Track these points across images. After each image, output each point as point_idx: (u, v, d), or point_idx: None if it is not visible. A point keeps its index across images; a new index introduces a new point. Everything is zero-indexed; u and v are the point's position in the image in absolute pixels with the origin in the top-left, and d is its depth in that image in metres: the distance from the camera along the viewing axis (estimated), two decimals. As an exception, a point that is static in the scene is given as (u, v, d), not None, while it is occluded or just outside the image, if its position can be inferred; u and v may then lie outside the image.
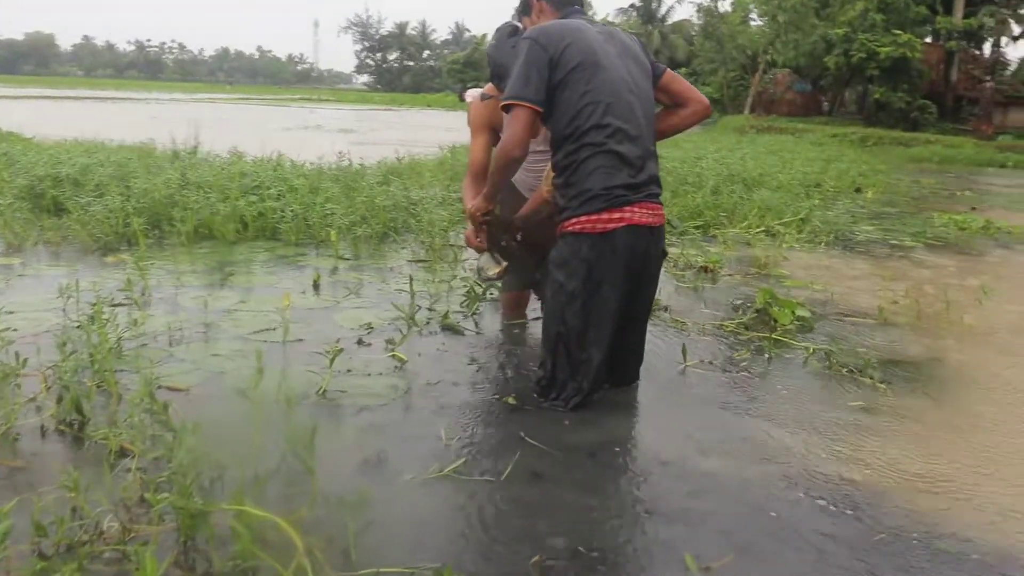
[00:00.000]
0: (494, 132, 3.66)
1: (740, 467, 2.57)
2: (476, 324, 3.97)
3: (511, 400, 3.01)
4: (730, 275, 5.45)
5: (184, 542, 1.96)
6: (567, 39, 2.84)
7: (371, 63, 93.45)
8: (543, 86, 2.83)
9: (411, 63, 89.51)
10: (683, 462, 2.60)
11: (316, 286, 4.50)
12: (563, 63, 2.81)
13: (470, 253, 5.59)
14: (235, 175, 6.30)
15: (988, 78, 31.87)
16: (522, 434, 2.68)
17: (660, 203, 2.91)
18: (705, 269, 5.43)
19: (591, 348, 2.86)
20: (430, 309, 4.10)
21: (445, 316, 3.92)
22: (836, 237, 7.19)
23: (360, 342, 3.56)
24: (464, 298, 4.27)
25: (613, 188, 2.77)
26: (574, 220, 2.81)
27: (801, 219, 7.49)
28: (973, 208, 10.60)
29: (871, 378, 3.44)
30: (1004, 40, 37.00)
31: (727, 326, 4.13)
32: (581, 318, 2.83)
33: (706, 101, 3.14)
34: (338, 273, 4.86)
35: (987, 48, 37.54)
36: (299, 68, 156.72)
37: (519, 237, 3.45)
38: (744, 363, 3.60)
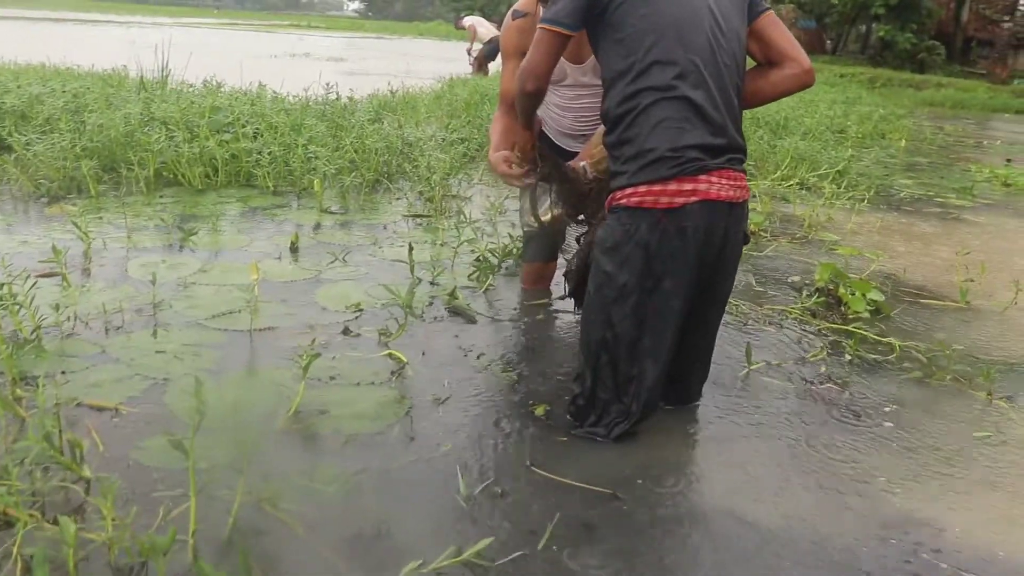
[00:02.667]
0: None
1: (835, 532, 1.90)
2: (489, 304, 3.25)
3: (540, 411, 2.34)
4: (775, 239, 4.73)
5: None
6: None
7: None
8: (581, 4, 2.10)
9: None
10: (762, 520, 1.92)
11: (294, 249, 3.75)
12: None
13: (476, 205, 4.87)
14: (206, 110, 5.48)
15: (1007, 18, 30.72)
16: (561, 478, 2.00)
17: (743, 172, 2.17)
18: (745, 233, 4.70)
19: (645, 361, 2.15)
20: (433, 283, 3.38)
21: (452, 294, 3.20)
22: (877, 193, 6.46)
23: (347, 332, 2.84)
24: (474, 268, 3.55)
25: (685, 149, 2.03)
26: (630, 190, 2.07)
27: (838, 171, 6.75)
28: (1009, 160, 9.89)
29: (988, 393, 2.76)
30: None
31: (791, 312, 3.43)
32: (634, 321, 2.12)
33: (808, 64, 2.25)
34: (321, 231, 4.12)
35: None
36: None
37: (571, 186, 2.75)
38: (820, 366, 2.91)
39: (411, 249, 3.30)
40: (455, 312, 3.09)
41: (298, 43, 25.52)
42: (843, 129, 10.11)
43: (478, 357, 2.71)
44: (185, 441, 1.60)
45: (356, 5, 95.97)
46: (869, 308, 3.49)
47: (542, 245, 3.32)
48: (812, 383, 2.77)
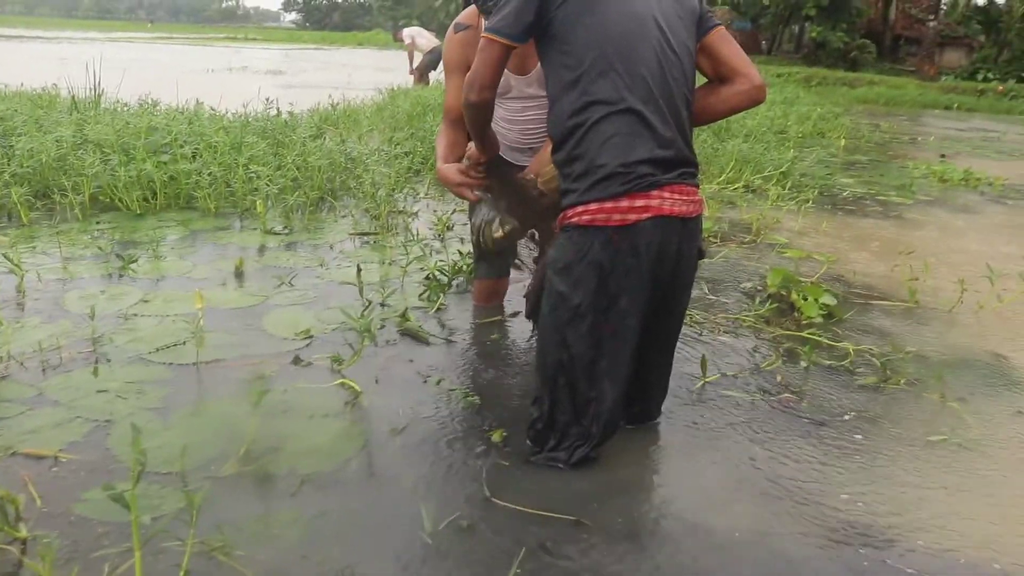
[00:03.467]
0: None
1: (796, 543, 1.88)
2: (442, 324, 3.19)
3: (496, 437, 2.28)
4: (724, 244, 4.75)
5: None
6: None
7: (299, 0, 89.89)
8: (527, 12, 2.04)
9: (340, 0, 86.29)
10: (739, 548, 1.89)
11: (239, 274, 3.65)
12: None
13: (423, 221, 4.80)
14: (142, 130, 5.32)
15: (932, 17, 31.59)
16: (524, 507, 1.95)
17: (696, 186, 2.15)
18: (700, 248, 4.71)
19: (603, 382, 2.12)
20: (383, 304, 3.31)
21: (403, 316, 3.13)
22: (821, 193, 6.55)
23: (297, 361, 2.76)
24: (424, 287, 3.49)
25: (636, 164, 2.00)
26: (581, 208, 2.03)
27: (782, 173, 6.82)
28: (943, 156, 10.13)
29: (941, 395, 2.78)
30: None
31: (744, 320, 3.43)
32: (590, 342, 2.08)
33: (760, 80, 2.19)
34: (266, 254, 4.01)
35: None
36: (224, 6, 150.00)
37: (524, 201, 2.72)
38: (776, 375, 2.91)
39: (359, 271, 3.22)
40: (407, 334, 3.03)
41: (235, 56, 25.13)
42: (784, 129, 10.25)
43: (436, 382, 2.65)
44: (128, 493, 1.51)
45: (293, 16, 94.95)
46: (822, 312, 3.51)
47: (493, 261, 3.27)
48: (769, 393, 2.76)
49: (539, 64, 2.26)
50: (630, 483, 2.16)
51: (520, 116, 2.91)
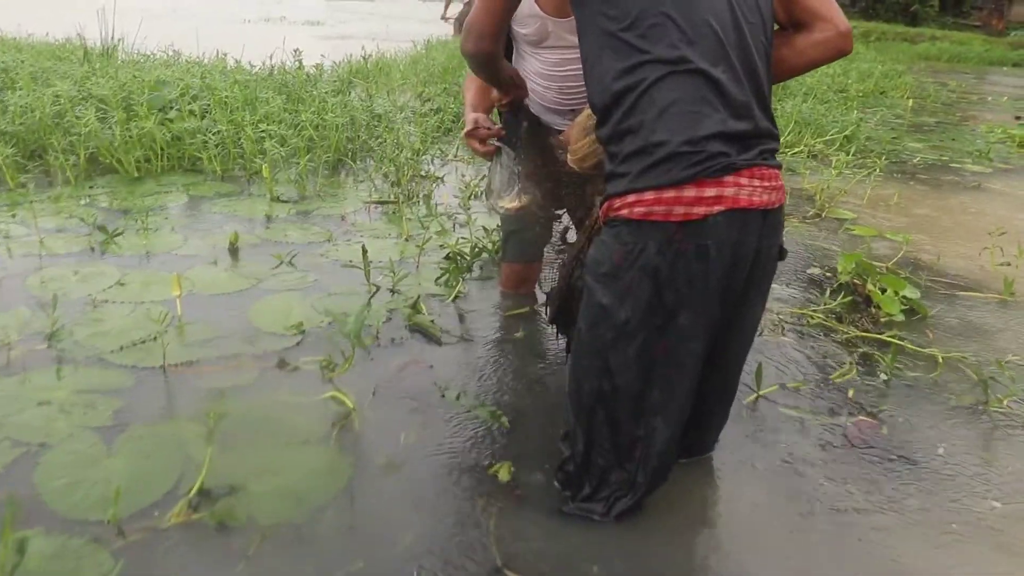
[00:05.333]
0: None
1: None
2: (460, 316, 2.74)
3: (504, 474, 1.85)
4: (786, 219, 4.22)
5: None
6: None
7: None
8: None
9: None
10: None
11: (233, 251, 3.23)
12: None
13: (449, 187, 4.34)
14: (148, 84, 4.91)
15: (1001, -32, 29.89)
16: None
17: (779, 166, 1.65)
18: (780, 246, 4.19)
19: (654, 418, 1.66)
20: (393, 291, 2.87)
21: (414, 307, 2.69)
22: (888, 159, 5.94)
23: (282, 364, 2.34)
24: (442, 270, 3.04)
25: (705, 140, 1.51)
26: (633, 198, 1.55)
27: (846, 137, 6.22)
28: (1018, 117, 9.37)
29: (1062, 424, 2.28)
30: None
31: (812, 317, 2.93)
32: (639, 369, 1.61)
33: (846, 25, 1.70)
34: (270, 226, 3.58)
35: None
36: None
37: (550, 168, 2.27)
38: (847, 388, 2.43)
39: (365, 252, 2.78)
40: (417, 330, 2.59)
41: (276, 5, 24.62)
42: (844, 88, 9.55)
43: (455, 397, 2.20)
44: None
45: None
46: (903, 308, 3.01)
47: (524, 241, 2.80)
48: (839, 412, 2.29)
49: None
50: (676, 545, 1.71)
51: (559, 71, 2.41)
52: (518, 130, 2.29)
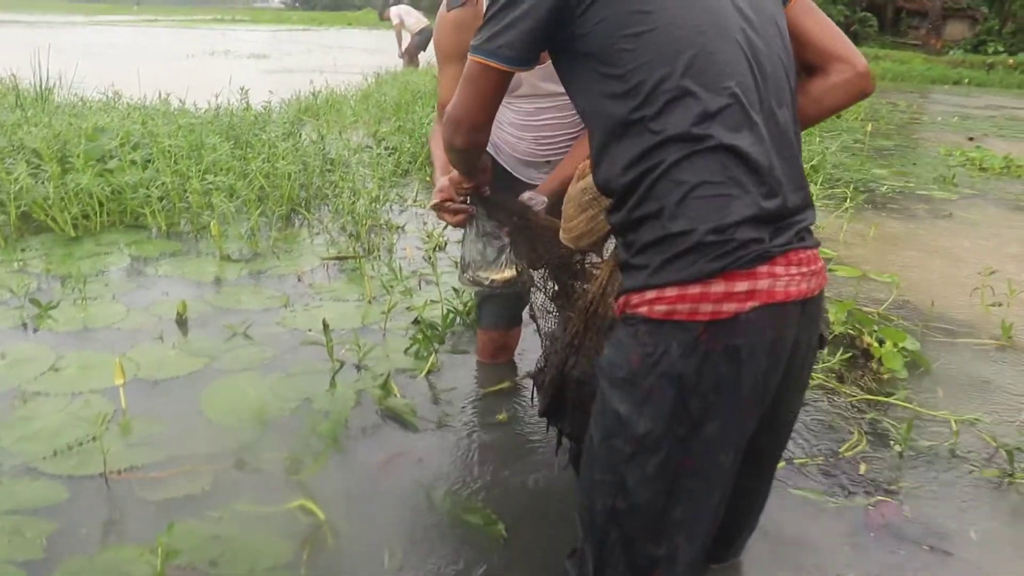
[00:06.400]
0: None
1: None
2: (435, 395, 2.50)
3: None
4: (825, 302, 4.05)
5: None
6: None
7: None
8: (537, 25, 1.37)
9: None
10: None
11: (182, 322, 2.95)
12: None
13: (411, 237, 4.11)
14: (85, 132, 4.60)
15: (938, -11, 30.68)
16: None
17: (816, 245, 1.44)
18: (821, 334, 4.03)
19: (677, 536, 1.42)
20: (359, 366, 2.62)
21: (385, 386, 2.44)
22: (856, 188, 5.84)
23: (241, 465, 2.07)
24: (412, 339, 2.79)
25: (734, 227, 1.29)
26: (653, 295, 1.32)
27: (812, 167, 6.12)
28: (971, 139, 9.44)
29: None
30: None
31: (812, 377, 2.74)
32: (661, 486, 1.37)
33: (864, 65, 1.52)
34: (221, 290, 3.31)
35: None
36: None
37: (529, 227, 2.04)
38: (859, 462, 2.24)
39: (326, 327, 2.53)
40: (390, 416, 2.34)
41: (220, 39, 24.21)
42: (799, 113, 9.53)
43: (426, 495, 1.96)
44: None
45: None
46: (905, 360, 2.83)
47: (501, 307, 2.58)
48: (854, 492, 2.10)
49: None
50: None
51: (534, 120, 2.22)
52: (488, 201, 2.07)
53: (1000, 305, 3.44)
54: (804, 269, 1.35)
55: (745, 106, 1.33)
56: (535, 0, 1.36)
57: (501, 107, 2.17)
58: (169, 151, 4.60)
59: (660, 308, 1.31)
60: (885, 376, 2.77)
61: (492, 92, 1.46)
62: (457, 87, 1.50)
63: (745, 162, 1.31)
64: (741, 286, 1.29)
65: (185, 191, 4.20)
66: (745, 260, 1.29)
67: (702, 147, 1.29)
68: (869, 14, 31.82)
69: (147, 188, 4.12)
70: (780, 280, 1.32)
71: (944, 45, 28.78)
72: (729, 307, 1.29)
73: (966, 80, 20.85)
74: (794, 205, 1.37)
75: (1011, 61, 23.74)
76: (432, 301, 3.05)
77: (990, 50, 27.06)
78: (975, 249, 4.53)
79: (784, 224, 1.35)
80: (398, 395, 2.42)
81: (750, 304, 1.30)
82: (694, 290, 1.29)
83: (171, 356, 2.66)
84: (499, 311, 2.59)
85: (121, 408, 2.26)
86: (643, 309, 1.33)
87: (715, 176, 1.29)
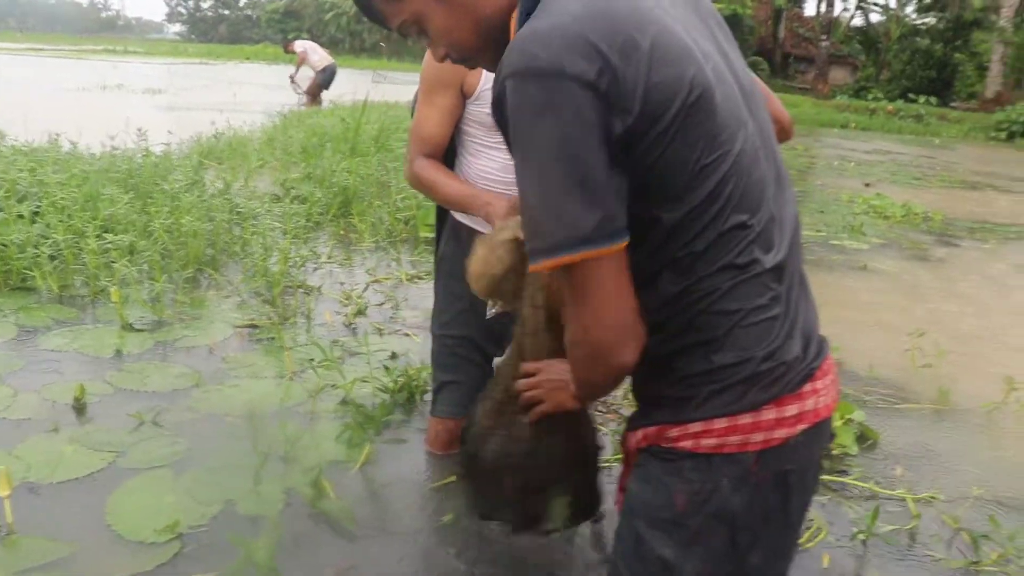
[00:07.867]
0: (461, 92, 2.05)
1: None
2: (372, 492, 2.27)
3: None
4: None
5: None
6: (644, 31, 1.14)
7: (183, 11, 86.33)
8: (611, 182, 1.06)
9: (227, 11, 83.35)
10: None
11: (80, 409, 2.64)
12: (653, 106, 1.06)
13: (327, 300, 3.87)
14: (-37, 185, 4.21)
15: (824, 37, 32.22)
16: None
17: (829, 347, 1.31)
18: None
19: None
20: (285, 458, 2.37)
21: (315, 485, 2.21)
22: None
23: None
24: (343, 425, 2.56)
25: (781, 350, 1.15)
26: (699, 427, 1.15)
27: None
28: (867, 184, 9.81)
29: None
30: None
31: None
32: None
33: (789, 119, 1.88)
34: (125, 365, 3.00)
35: (809, 7, 38.34)
36: (104, 16, 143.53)
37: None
38: (824, 556, 2.13)
39: (252, 417, 2.28)
40: (324, 520, 2.10)
41: (111, 72, 23.27)
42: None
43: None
44: None
45: (178, 28, 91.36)
46: (855, 432, 2.77)
47: (462, 394, 2.28)
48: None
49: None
50: None
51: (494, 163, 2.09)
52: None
53: (930, 366, 3.44)
54: (830, 378, 1.24)
55: (776, 221, 1.20)
56: (586, 136, 1.03)
57: (484, 155, 2.04)
58: (61, 204, 4.24)
59: (708, 442, 1.16)
60: (835, 451, 2.69)
61: (624, 276, 1.12)
62: (581, 300, 1.15)
63: (779, 278, 1.17)
64: (791, 410, 1.16)
65: (80, 250, 3.86)
66: (794, 383, 1.16)
67: (749, 274, 1.15)
68: (760, 58, 33.19)
69: (36, 247, 3.76)
70: (821, 396, 1.21)
71: (830, 90, 30.19)
72: (780, 433, 1.16)
73: (852, 124, 21.90)
74: (812, 310, 1.26)
75: (890, 107, 25.02)
76: (362, 380, 2.83)
77: (871, 96, 28.50)
78: (895, 303, 4.59)
79: (814, 334, 1.23)
80: (332, 495, 2.19)
81: (800, 427, 1.17)
82: (744, 420, 1.14)
83: (68, 453, 2.35)
84: (458, 398, 2.32)
85: (6, 524, 1.96)
86: (687, 443, 1.17)
87: (759, 300, 1.15)
